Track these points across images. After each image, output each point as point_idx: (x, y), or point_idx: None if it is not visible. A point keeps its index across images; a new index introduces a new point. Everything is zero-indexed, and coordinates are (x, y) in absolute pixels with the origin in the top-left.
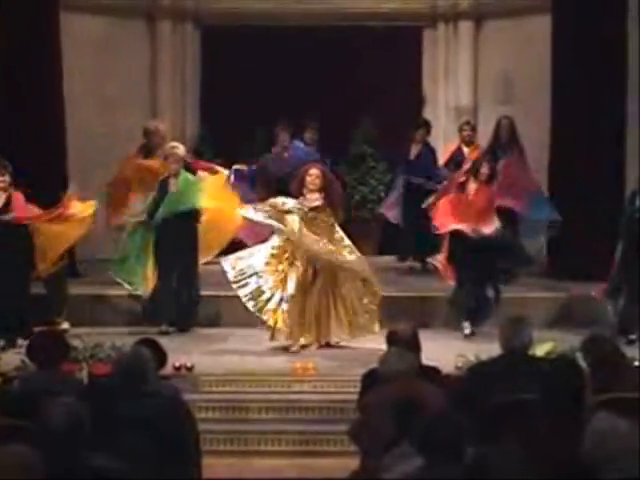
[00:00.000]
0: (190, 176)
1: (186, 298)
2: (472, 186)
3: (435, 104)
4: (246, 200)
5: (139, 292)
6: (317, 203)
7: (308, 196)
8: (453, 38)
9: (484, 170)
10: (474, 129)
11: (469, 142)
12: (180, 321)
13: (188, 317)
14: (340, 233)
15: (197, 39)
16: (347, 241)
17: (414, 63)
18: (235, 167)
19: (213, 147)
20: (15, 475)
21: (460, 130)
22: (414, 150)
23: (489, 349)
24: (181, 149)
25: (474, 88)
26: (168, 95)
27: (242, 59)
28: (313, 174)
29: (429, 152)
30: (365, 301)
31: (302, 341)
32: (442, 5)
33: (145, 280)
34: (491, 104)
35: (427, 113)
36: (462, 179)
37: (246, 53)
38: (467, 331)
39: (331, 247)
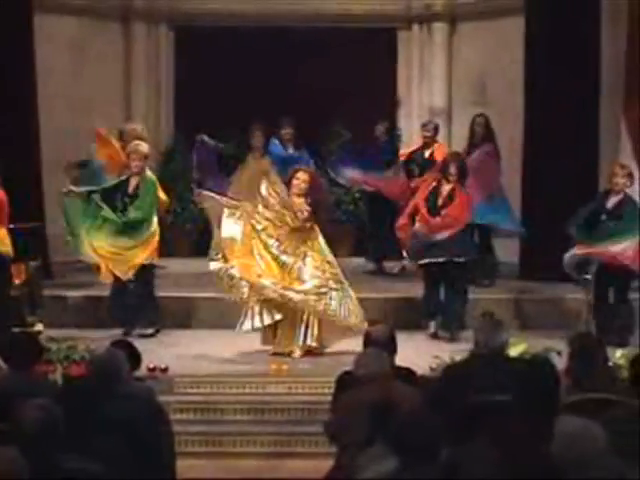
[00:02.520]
0: (151, 177)
1: (144, 299)
2: (445, 187)
3: (409, 105)
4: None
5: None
6: (303, 216)
7: (294, 199)
8: (427, 40)
9: (452, 170)
10: (436, 129)
11: (430, 143)
12: (140, 323)
13: (148, 318)
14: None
15: (171, 40)
16: (329, 256)
17: (388, 64)
18: (202, 137)
19: (187, 148)
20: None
21: (421, 130)
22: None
23: (466, 350)
24: (144, 146)
25: (448, 89)
26: (142, 96)
27: (216, 60)
28: (300, 178)
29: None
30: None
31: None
32: (416, 7)
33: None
34: (465, 105)
35: (401, 114)
36: (433, 183)
37: (220, 54)
38: (432, 330)
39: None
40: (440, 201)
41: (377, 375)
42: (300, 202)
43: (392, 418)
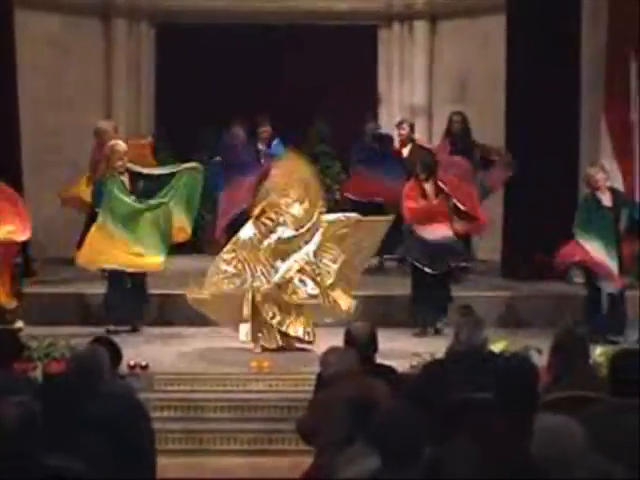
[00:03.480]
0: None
1: (136, 297)
2: (429, 188)
3: (390, 103)
4: None
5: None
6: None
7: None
8: (408, 37)
9: (418, 170)
10: (411, 128)
11: (406, 142)
12: (131, 320)
13: (138, 316)
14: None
15: (152, 37)
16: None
17: (369, 62)
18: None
19: (168, 145)
20: None
21: (396, 130)
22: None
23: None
24: (121, 145)
25: (429, 87)
26: (123, 93)
27: (197, 57)
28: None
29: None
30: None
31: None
32: (397, 4)
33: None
34: (446, 103)
35: (382, 112)
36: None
37: (201, 51)
38: (425, 329)
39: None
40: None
41: (346, 373)
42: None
43: (371, 417)
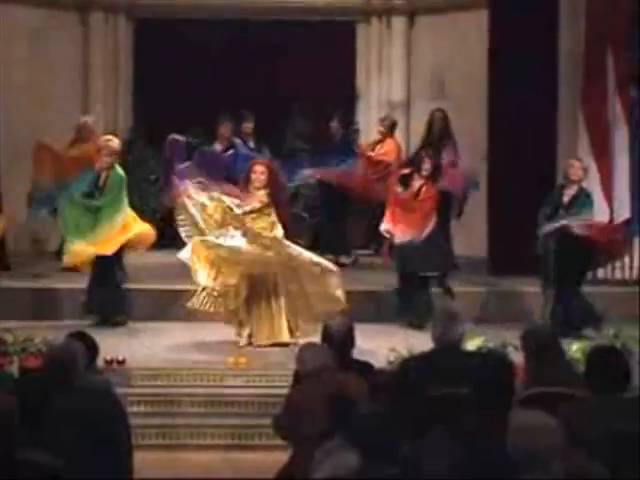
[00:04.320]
0: (120, 173)
1: (113, 291)
2: (416, 183)
3: (368, 99)
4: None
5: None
6: (257, 205)
7: (254, 193)
8: (386, 33)
9: (426, 165)
10: (393, 125)
11: (383, 139)
12: (109, 315)
13: (116, 310)
14: (279, 232)
15: (130, 31)
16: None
17: (347, 58)
18: (172, 137)
19: (145, 140)
20: None
21: (378, 124)
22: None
23: (424, 343)
24: (115, 142)
25: (407, 83)
26: (100, 87)
27: (175, 52)
28: (258, 170)
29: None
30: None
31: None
32: (375, 0)
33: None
34: (424, 99)
35: (360, 108)
36: (403, 172)
37: (179, 46)
38: (408, 322)
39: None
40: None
41: (321, 370)
42: (261, 194)
43: (347, 412)
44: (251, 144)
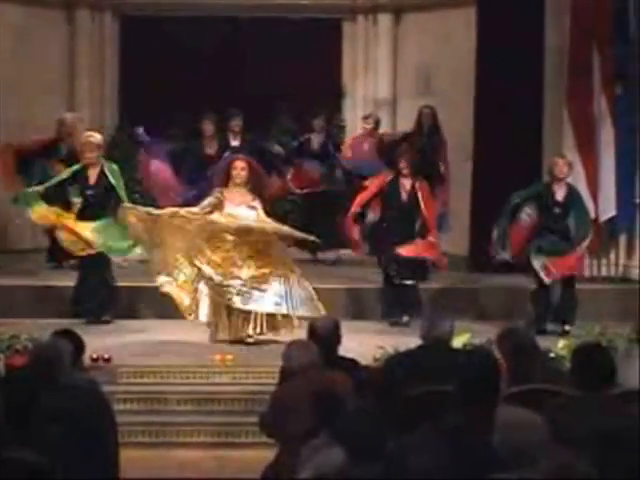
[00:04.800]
0: (114, 166)
1: (105, 289)
2: (404, 182)
3: (354, 96)
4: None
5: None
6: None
7: (234, 190)
8: (372, 31)
9: (402, 165)
10: (377, 123)
11: (370, 135)
12: (100, 312)
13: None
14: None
15: (116, 29)
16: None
17: (334, 55)
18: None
19: (131, 137)
20: None
21: (362, 122)
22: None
23: (410, 340)
24: (97, 137)
25: (393, 81)
26: (86, 85)
27: (161, 50)
28: (238, 167)
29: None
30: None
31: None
32: None
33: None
34: (410, 97)
35: (346, 105)
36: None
37: (165, 44)
38: (393, 319)
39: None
40: (404, 196)
41: (307, 367)
42: (242, 191)
43: (333, 409)
44: (236, 142)
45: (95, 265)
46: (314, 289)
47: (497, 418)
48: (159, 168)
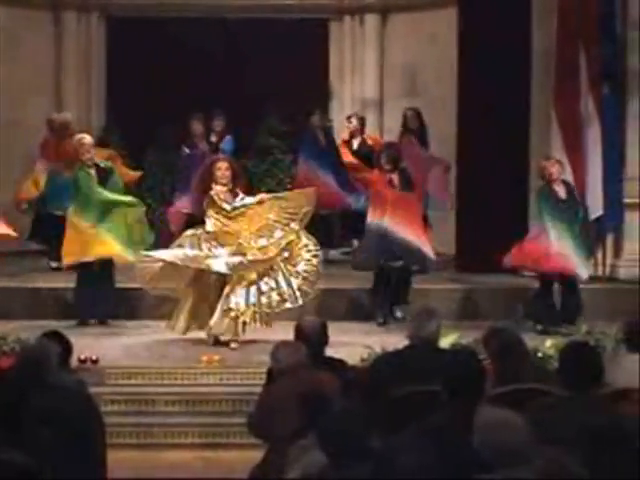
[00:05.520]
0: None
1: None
2: (395, 179)
3: (341, 97)
4: None
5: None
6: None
7: (219, 188)
8: (359, 31)
9: (383, 161)
10: (362, 121)
11: (355, 133)
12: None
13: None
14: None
15: (102, 30)
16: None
17: (320, 56)
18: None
19: (119, 138)
20: None
21: (345, 123)
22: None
23: (398, 340)
24: (88, 138)
25: (380, 81)
26: (73, 86)
27: (148, 50)
28: (222, 167)
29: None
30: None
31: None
32: None
33: None
34: (397, 97)
35: (333, 106)
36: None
37: (152, 44)
38: (380, 320)
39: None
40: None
41: (295, 367)
42: (225, 190)
43: (321, 410)
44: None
45: (106, 267)
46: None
47: (479, 419)
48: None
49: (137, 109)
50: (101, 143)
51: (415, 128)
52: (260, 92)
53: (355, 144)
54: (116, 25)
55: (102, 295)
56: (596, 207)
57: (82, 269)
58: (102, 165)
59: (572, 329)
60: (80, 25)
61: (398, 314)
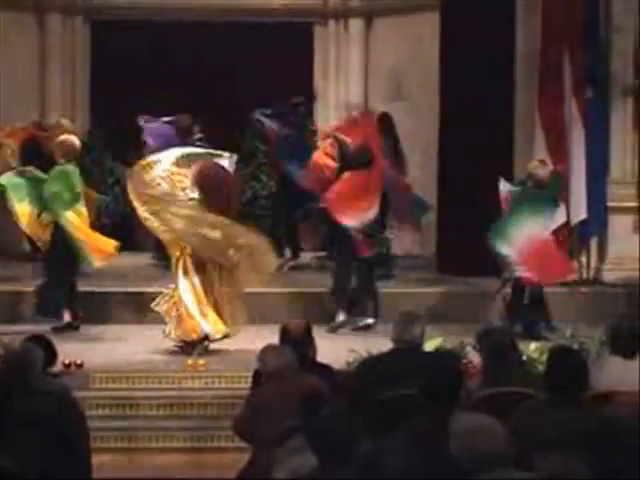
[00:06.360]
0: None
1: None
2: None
3: (326, 101)
4: None
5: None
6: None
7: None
8: (344, 35)
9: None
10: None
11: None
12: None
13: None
14: None
15: (87, 33)
16: None
17: (305, 59)
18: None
19: (103, 141)
20: None
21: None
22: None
23: (382, 344)
24: (71, 139)
25: (364, 85)
26: (58, 89)
27: (133, 53)
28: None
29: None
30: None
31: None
32: (333, 2)
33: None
34: (381, 101)
35: (318, 109)
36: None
37: (137, 47)
38: (340, 319)
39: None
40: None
41: (283, 371)
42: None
43: (309, 413)
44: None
45: (61, 265)
46: (276, 294)
47: (455, 425)
48: None
49: (121, 112)
50: (85, 146)
51: (384, 132)
52: (244, 95)
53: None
54: (100, 28)
55: (66, 296)
56: (580, 211)
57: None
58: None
59: (559, 333)
60: (65, 28)
61: (369, 321)
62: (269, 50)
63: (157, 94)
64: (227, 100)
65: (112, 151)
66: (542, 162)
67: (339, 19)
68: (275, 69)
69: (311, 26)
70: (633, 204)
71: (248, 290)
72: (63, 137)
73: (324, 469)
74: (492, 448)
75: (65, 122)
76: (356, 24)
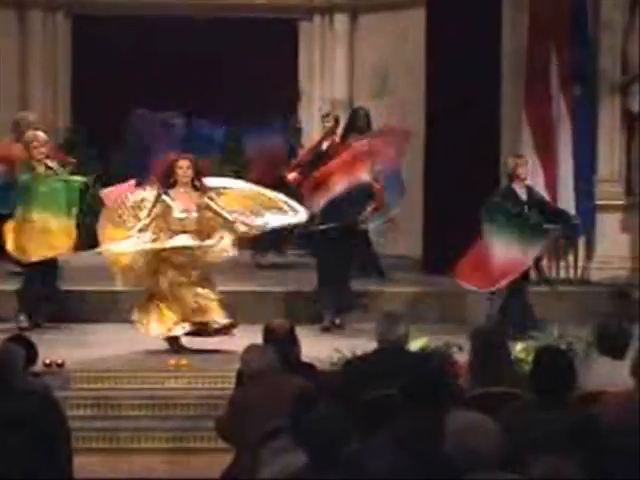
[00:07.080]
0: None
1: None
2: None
3: (311, 97)
4: None
5: None
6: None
7: (181, 190)
8: (329, 31)
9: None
10: (337, 121)
11: (328, 135)
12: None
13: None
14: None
15: (68, 29)
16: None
17: (290, 56)
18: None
19: (85, 138)
20: None
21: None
22: None
23: (366, 344)
24: (42, 134)
25: (350, 81)
26: (39, 86)
27: (115, 49)
28: (184, 165)
29: None
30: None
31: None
32: None
33: None
34: (367, 97)
35: (303, 106)
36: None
37: (119, 43)
38: (326, 323)
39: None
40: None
41: (265, 370)
42: (189, 190)
43: (293, 413)
44: None
45: (43, 269)
46: (256, 293)
47: (450, 422)
48: None
49: (103, 109)
50: (67, 143)
51: (362, 126)
52: (228, 92)
53: (325, 145)
54: (82, 24)
55: (47, 295)
56: (567, 209)
57: (28, 268)
58: (51, 165)
59: (546, 333)
60: (46, 24)
61: (337, 320)
62: (254, 46)
63: (139, 91)
64: (211, 97)
65: (94, 148)
66: (520, 156)
67: (324, 15)
68: (260, 65)
69: (296, 22)
70: (621, 202)
71: (231, 289)
72: (36, 132)
73: (315, 469)
74: (486, 446)
75: (25, 114)
76: (341, 20)
